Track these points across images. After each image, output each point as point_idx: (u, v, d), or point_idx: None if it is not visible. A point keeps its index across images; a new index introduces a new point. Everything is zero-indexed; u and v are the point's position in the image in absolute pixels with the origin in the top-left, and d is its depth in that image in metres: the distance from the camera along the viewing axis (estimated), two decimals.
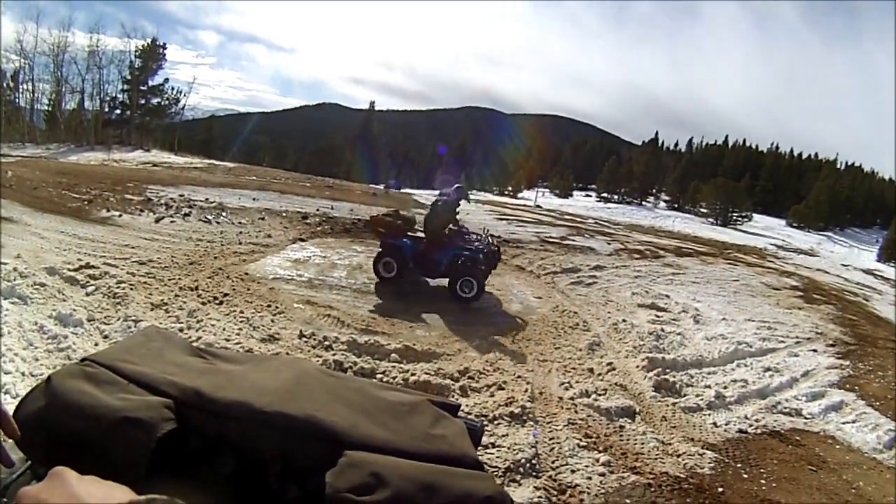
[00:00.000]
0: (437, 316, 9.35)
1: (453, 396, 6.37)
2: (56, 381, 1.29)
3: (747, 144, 76.10)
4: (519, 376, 7.20)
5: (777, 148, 73.96)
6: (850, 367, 9.41)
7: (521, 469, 5.23)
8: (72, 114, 42.09)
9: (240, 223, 14.44)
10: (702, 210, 53.94)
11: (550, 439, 5.86)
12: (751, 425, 6.95)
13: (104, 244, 10.64)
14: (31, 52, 40.47)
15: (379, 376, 6.60)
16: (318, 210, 18.12)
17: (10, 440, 1.14)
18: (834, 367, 9.29)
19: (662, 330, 9.70)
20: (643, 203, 60.65)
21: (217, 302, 8.38)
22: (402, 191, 35.51)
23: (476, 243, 10.61)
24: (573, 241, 20.00)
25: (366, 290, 10.17)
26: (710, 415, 7.11)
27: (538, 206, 39.36)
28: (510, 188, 62.79)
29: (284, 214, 16.43)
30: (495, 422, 5.96)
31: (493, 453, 5.32)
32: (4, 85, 39.86)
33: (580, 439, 5.92)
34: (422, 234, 10.68)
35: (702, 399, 7.39)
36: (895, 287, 22.76)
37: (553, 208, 39.10)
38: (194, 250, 11.11)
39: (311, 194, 22.56)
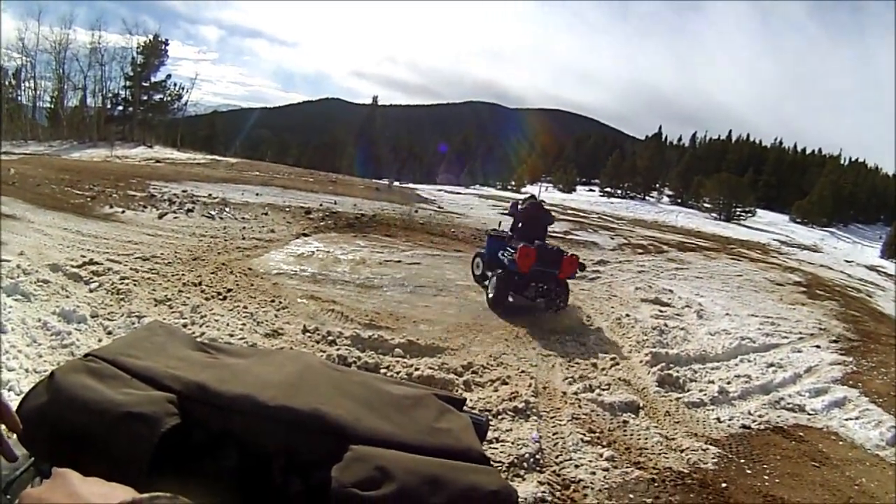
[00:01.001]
0: (440, 310, 9.37)
1: (457, 391, 6.37)
2: (59, 377, 1.29)
3: (751, 139, 75.73)
4: (522, 371, 7.20)
5: (781, 143, 73.65)
6: (853, 364, 9.39)
7: (525, 464, 5.24)
8: (74, 111, 41.99)
9: (243, 218, 14.46)
10: (705, 205, 53.83)
11: (554, 434, 5.86)
12: (754, 421, 6.95)
13: (107, 240, 10.65)
14: (33, 50, 40.43)
15: (383, 371, 6.60)
16: (321, 205, 18.11)
17: (14, 436, 1.13)
18: (837, 364, 9.27)
19: (666, 325, 9.70)
20: (646, 198, 60.45)
21: (220, 297, 8.38)
22: (406, 185, 35.44)
23: None
24: (577, 235, 20.00)
25: (369, 286, 10.17)
26: (713, 410, 7.10)
27: (542, 202, 39.32)
28: (513, 183, 62.71)
29: (288, 210, 16.43)
30: (499, 416, 5.97)
31: (496, 448, 5.33)
32: (7, 83, 39.81)
33: (584, 434, 5.92)
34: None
35: (705, 394, 7.39)
36: None
37: (556, 203, 39.02)
38: (197, 246, 11.13)
39: (315, 189, 22.53)
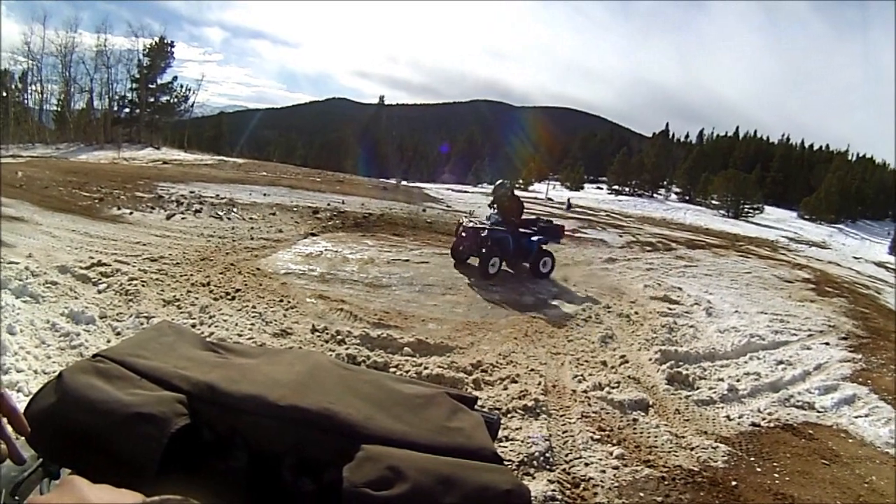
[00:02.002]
0: (449, 309, 9.37)
1: (466, 390, 6.36)
2: (67, 378, 1.28)
3: (758, 136, 75.66)
4: (532, 369, 7.20)
5: (788, 139, 73.54)
6: (862, 361, 9.36)
7: (535, 462, 5.23)
8: (81, 113, 42.11)
9: (251, 219, 14.48)
10: (713, 202, 53.79)
11: (564, 432, 5.85)
12: (764, 419, 6.92)
13: (115, 242, 10.68)
14: (39, 54, 40.59)
15: (392, 370, 6.62)
16: (328, 205, 18.14)
17: (21, 437, 1.13)
18: (846, 361, 9.24)
19: (675, 323, 9.69)
20: (654, 195, 60.43)
21: (229, 297, 8.40)
22: (413, 185, 35.44)
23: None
24: (585, 233, 19.99)
25: (377, 284, 10.19)
26: (723, 408, 7.08)
27: (549, 200, 39.29)
28: (521, 182, 62.69)
29: (295, 209, 16.45)
30: (509, 415, 5.97)
31: (506, 446, 5.32)
32: (13, 86, 39.98)
33: (593, 432, 5.92)
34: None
35: (715, 392, 7.37)
36: None
37: (564, 201, 38.97)
38: (205, 246, 11.15)
39: (322, 189, 22.57)
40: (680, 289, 12.51)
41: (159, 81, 44.50)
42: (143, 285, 8.32)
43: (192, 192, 16.97)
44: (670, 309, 10.68)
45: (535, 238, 12.06)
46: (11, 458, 1.07)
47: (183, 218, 13.64)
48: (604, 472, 5.28)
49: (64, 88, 42.26)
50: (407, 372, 6.65)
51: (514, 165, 69.64)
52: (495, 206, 12.54)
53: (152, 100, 44.01)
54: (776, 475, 5.75)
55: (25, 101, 41.36)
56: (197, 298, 8.13)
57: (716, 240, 25.32)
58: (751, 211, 50.81)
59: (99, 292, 7.97)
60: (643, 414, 6.55)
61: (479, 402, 1.69)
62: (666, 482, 5.27)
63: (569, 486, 5.01)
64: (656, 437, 6.08)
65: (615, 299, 11.05)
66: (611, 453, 5.57)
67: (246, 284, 9.00)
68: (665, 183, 64.14)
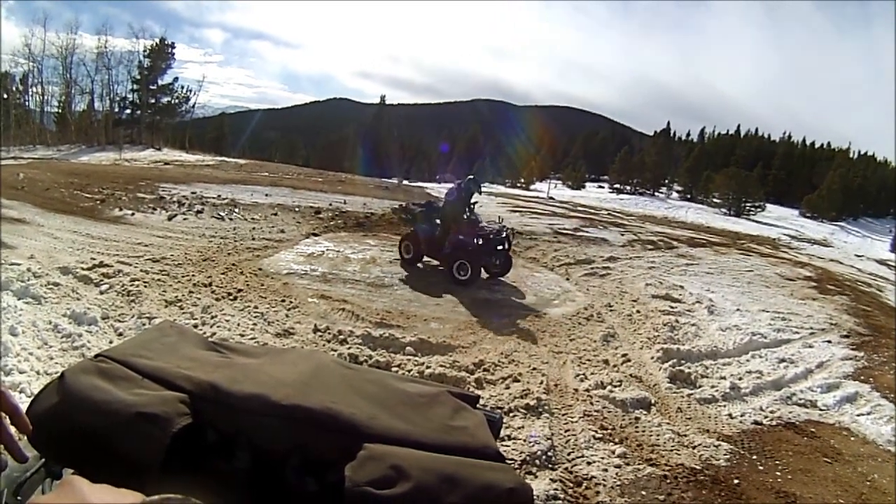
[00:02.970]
0: (451, 308, 9.37)
1: (468, 389, 6.37)
2: (69, 378, 1.28)
3: (759, 134, 75.35)
4: (534, 368, 7.20)
5: (789, 137, 73.20)
6: (864, 359, 9.34)
7: (537, 461, 5.23)
8: (82, 115, 42.10)
9: (252, 219, 14.49)
10: (714, 200, 53.56)
11: (566, 431, 5.86)
12: (766, 417, 6.92)
13: (117, 243, 10.71)
14: (40, 56, 40.63)
15: (394, 369, 6.62)
16: (330, 205, 18.13)
17: (24, 437, 1.13)
18: (848, 359, 9.23)
19: (677, 321, 9.67)
20: (656, 194, 60.20)
21: (231, 297, 8.41)
22: (414, 184, 35.40)
23: (486, 231, 11.01)
24: (586, 232, 19.94)
25: (380, 284, 10.20)
26: (725, 406, 7.08)
27: (551, 198, 39.22)
28: (522, 180, 62.59)
29: (297, 210, 16.45)
30: (511, 414, 5.98)
31: (508, 445, 5.32)
32: (14, 88, 40.01)
33: (596, 431, 5.92)
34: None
35: (717, 390, 7.37)
36: None
37: (566, 200, 38.93)
38: (207, 247, 11.17)
39: (323, 189, 22.55)
40: (682, 287, 12.49)
41: (160, 83, 44.46)
42: (145, 286, 8.35)
43: (193, 193, 16.98)
44: (672, 307, 10.67)
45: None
46: (14, 457, 1.07)
47: (185, 219, 13.66)
48: (606, 470, 5.28)
49: (65, 90, 42.35)
50: (409, 371, 6.65)
51: (516, 164, 69.58)
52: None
53: (153, 101, 43.97)
54: (778, 473, 5.75)
55: (26, 104, 41.48)
56: (199, 299, 8.15)
57: (717, 238, 25.24)
58: (752, 209, 50.59)
59: (101, 293, 7.99)
60: (645, 412, 6.55)
61: (481, 402, 1.70)
62: (668, 481, 5.27)
63: (571, 484, 5.01)
64: (658, 435, 6.08)
65: (617, 298, 11.04)
66: (613, 452, 5.57)
67: (248, 285, 9.01)
68: (666, 181, 63.93)
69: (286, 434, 1.28)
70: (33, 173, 18.22)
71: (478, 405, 1.62)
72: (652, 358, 8.10)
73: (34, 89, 42.13)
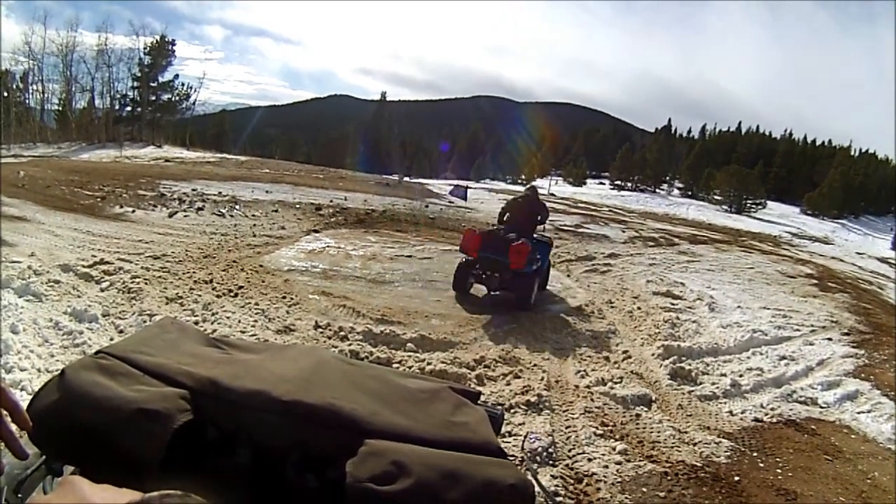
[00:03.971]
0: (452, 305, 9.37)
1: (469, 385, 6.37)
2: (70, 374, 1.28)
3: (760, 131, 75.35)
4: (535, 365, 7.20)
5: (791, 134, 73.21)
6: (865, 356, 9.32)
7: (538, 458, 5.22)
8: (82, 112, 42.17)
9: (253, 216, 14.49)
10: (716, 197, 53.51)
11: (567, 428, 5.86)
12: (766, 414, 6.92)
13: (118, 240, 10.71)
14: (40, 53, 40.75)
15: (395, 366, 6.61)
16: (331, 201, 18.13)
17: (24, 434, 1.13)
18: (849, 356, 9.21)
19: (678, 318, 9.67)
20: (657, 191, 60.26)
21: (232, 294, 8.41)
22: (415, 181, 35.40)
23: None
24: (588, 229, 19.95)
25: (380, 280, 10.19)
26: (725, 403, 7.08)
27: (552, 195, 39.24)
28: (523, 177, 62.66)
29: (298, 206, 16.46)
30: (511, 410, 5.98)
31: (509, 442, 5.32)
32: (14, 86, 40.04)
33: (596, 427, 5.92)
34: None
35: (717, 387, 7.36)
36: None
37: (567, 196, 38.94)
38: (208, 244, 11.17)
39: (324, 186, 22.55)
40: (683, 284, 12.48)
41: (161, 80, 44.59)
42: (145, 283, 8.34)
43: (194, 190, 16.98)
44: (673, 304, 10.67)
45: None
46: (14, 454, 1.07)
47: (185, 216, 13.67)
48: (606, 467, 5.28)
49: (65, 88, 42.43)
50: (410, 368, 6.66)
51: (517, 161, 69.60)
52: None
53: (154, 98, 44.06)
54: (779, 471, 5.74)
55: (27, 101, 41.61)
56: (200, 296, 8.15)
57: (718, 235, 25.25)
58: (753, 206, 50.58)
59: (102, 290, 7.99)
60: (646, 409, 6.55)
61: (482, 398, 1.70)
62: (669, 477, 5.27)
63: (572, 481, 5.01)
64: (659, 432, 6.07)
65: (618, 294, 11.04)
66: (614, 448, 5.57)
67: (249, 281, 9.01)
68: (667, 178, 63.97)
69: (287, 430, 1.28)
70: (34, 171, 18.23)
71: (479, 401, 1.62)
72: (653, 355, 8.09)
73: (35, 87, 42.32)
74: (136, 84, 43.05)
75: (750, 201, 50.89)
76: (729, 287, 13.23)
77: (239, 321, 7.44)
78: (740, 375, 7.84)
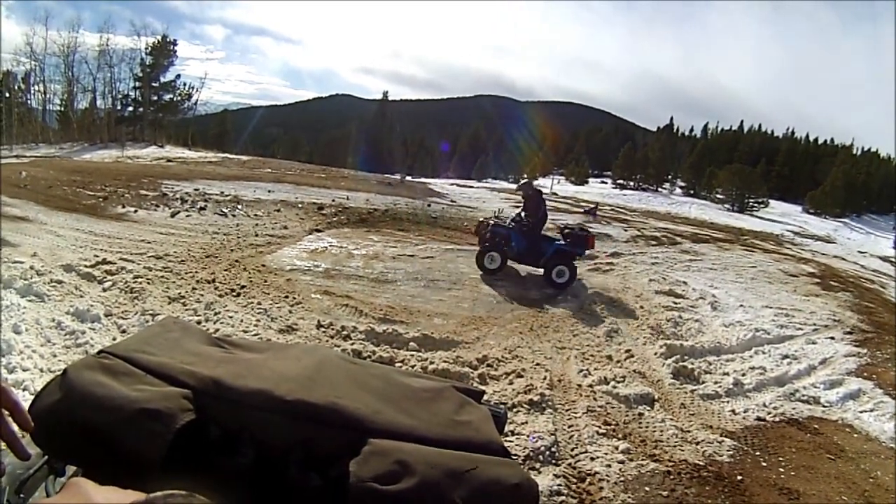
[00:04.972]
0: (454, 304, 9.37)
1: (472, 384, 6.37)
2: (72, 374, 1.27)
3: (763, 130, 75.25)
4: (537, 364, 7.21)
5: (793, 133, 73.09)
6: (867, 356, 9.32)
7: (541, 457, 5.24)
8: (84, 113, 42.03)
9: (255, 215, 14.48)
10: (718, 196, 53.34)
11: (570, 427, 5.86)
12: (769, 413, 6.92)
13: (120, 240, 10.72)
14: (42, 54, 40.58)
15: (398, 365, 6.61)
16: (333, 201, 18.09)
17: (27, 434, 1.12)
18: (851, 355, 9.21)
19: (680, 317, 9.67)
20: (659, 189, 60.05)
21: (234, 294, 8.42)
22: (417, 179, 35.35)
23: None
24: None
25: (383, 280, 10.20)
26: (728, 402, 7.09)
27: (554, 194, 39.18)
28: (525, 176, 62.61)
29: (300, 206, 16.43)
30: (514, 409, 5.98)
31: (512, 441, 5.33)
32: (16, 87, 40.05)
33: (599, 426, 5.93)
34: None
35: (720, 386, 7.37)
36: None
37: (569, 195, 38.86)
38: (210, 243, 11.17)
39: (326, 185, 22.50)
40: (685, 283, 12.47)
41: (162, 80, 44.40)
42: (148, 283, 8.36)
43: (196, 190, 16.95)
44: (675, 303, 10.66)
45: (556, 243, 11.52)
46: (17, 454, 1.06)
47: (187, 215, 13.66)
48: (609, 466, 5.29)
49: (67, 88, 42.24)
50: (413, 367, 6.67)
51: (519, 160, 69.52)
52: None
53: (155, 98, 43.94)
54: (781, 470, 5.75)
55: (29, 102, 41.44)
56: (202, 295, 8.16)
57: (721, 234, 25.18)
58: (756, 205, 50.42)
59: (104, 290, 8.01)
60: (649, 408, 6.56)
61: (485, 397, 1.69)
62: (671, 476, 5.28)
63: (574, 480, 5.01)
64: (662, 431, 6.08)
65: (620, 293, 11.03)
66: (616, 448, 5.58)
67: (251, 281, 9.02)
68: (670, 177, 63.76)
69: (290, 429, 1.27)
70: (36, 171, 18.22)
71: (482, 400, 1.62)
72: (655, 354, 8.10)
73: (36, 88, 42.15)
74: (137, 84, 42.96)
75: (752, 200, 50.74)
76: (731, 286, 13.21)
77: (241, 321, 7.45)
78: (743, 374, 7.85)
